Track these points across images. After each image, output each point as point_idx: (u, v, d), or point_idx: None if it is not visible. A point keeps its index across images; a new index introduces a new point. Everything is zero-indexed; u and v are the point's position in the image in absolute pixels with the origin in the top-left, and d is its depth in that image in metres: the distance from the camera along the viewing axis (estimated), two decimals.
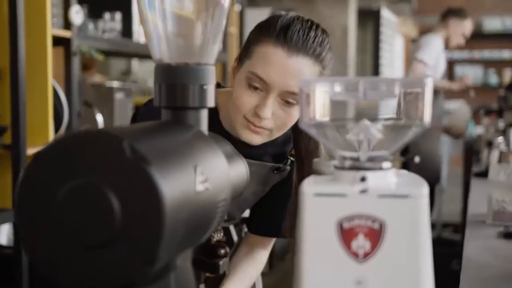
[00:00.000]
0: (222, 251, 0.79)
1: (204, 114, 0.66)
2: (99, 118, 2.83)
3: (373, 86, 0.63)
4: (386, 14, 6.33)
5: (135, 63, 4.56)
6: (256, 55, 1.16)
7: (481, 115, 4.77)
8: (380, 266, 0.60)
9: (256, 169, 1.29)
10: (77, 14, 2.59)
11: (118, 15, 3.01)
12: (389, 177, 0.62)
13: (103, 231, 0.50)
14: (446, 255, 3.63)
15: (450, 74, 6.81)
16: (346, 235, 0.60)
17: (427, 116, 0.63)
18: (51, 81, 2.39)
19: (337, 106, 0.65)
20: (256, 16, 3.62)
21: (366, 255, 0.60)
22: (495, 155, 2.46)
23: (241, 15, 4.43)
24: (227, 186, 0.64)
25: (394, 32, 6.72)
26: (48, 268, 0.52)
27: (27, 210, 0.52)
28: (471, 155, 4.21)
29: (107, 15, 2.97)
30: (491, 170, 1.86)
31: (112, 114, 2.88)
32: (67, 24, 2.59)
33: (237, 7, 4.35)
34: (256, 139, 1.19)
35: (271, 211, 1.37)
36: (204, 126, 0.66)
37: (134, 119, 1.33)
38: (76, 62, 2.63)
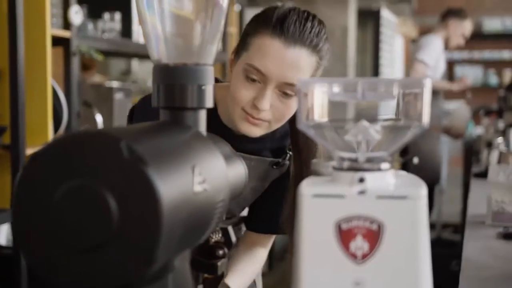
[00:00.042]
0: (221, 252, 0.78)
1: (202, 115, 0.66)
2: (99, 118, 2.83)
3: (371, 87, 0.63)
4: (386, 15, 6.33)
5: (135, 63, 4.56)
6: (253, 47, 1.16)
7: (481, 116, 4.77)
8: (379, 267, 0.60)
9: (255, 165, 1.29)
10: (76, 14, 2.58)
11: (117, 15, 3.01)
12: (387, 178, 0.62)
13: (100, 232, 0.50)
14: (446, 255, 3.63)
15: (450, 74, 6.81)
16: (345, 236, 0.60)
17: (426, 116, 0.63)
18: (50, 81, 2.39)
19: (336, 106, 0.65)
20: None
21: (365, 257, 0.60)
22: (494, 155, 2.45)
23: (241, 15, 4.43)
24: (225, 187, 0.64)
25: (394, 32, 6.72)
26: (44, 269, 0.52)
27: (24, 211, 0.52)
28: (471, 155, 4.21)
29: (106, 15, 2.97)
30: (491, 171, 1.86)
31: (112, 114, 2.88)
32: (67, 24, 2.58)
33: (237, 7, 4.35)
34: (255, 131, 1.19)
35: (270, 208, 1.37)
36: (202, 126, 0.66)
37: (131, 114, 1.33)
38: (75, 62, 2.62)
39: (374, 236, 0.59)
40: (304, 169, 1.27)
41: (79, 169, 0.51)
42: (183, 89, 0.63)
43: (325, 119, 0.64)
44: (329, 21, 4.75)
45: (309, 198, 0.60)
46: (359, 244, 0.60)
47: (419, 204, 0.60)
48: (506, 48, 7.66)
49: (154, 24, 0.63)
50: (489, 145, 3.11)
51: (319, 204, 0.60)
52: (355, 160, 0.62)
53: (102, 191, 0.50)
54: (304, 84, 0.64)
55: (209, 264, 0.78)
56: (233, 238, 0.83)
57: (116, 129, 0.54)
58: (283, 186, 1.33)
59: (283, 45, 1.13)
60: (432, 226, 4.67)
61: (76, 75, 2.64)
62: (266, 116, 1.17)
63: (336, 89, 0.63)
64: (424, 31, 5.95)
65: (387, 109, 0.67)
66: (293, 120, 1.22)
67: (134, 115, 1.31)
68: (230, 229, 0.84)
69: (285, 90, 1.15)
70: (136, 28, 3.12)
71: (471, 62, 7.81)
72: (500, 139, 2.82)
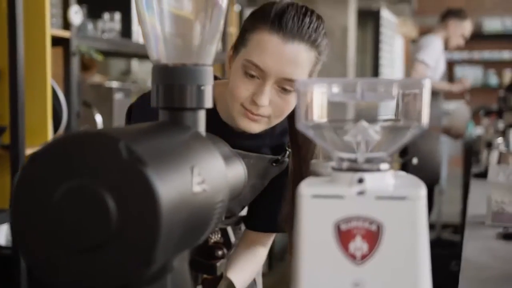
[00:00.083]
0: (220, 253, 0.78)
1: (201, 115, 0.66)
2: (98, 118, 2.82)
3: (371, 87, 0.63)
4: (386, 15, 6.33)
5: (135, 63, 4.56)
6: (251, 43, 1.16)
7: (481, 116, 4.77)
8: (378, 268, 0.59)
9: (254, 162, 1.29)
10: (76, 14, 2.58)
11: (117, 15, 3.01)
12: (386, 179, 0.62)
13: (99, 232, 0.50)
14: (446, 256, 3.64)
15: (450, 75, 6.80)
16: (344, 237, 0.60)
17: (425, 117, 0.62)
18: (50, 81, 2.38)
19: (336, 107, 0.65)
20: None
21: (364, 257, 0.60)
22: (494, 156, 2.45)
23: (241, 15, 4.43)
24: (224, 187, 0.64)
25: (394, 32, 6.72)
26: (43, 269, 0.52)
27: (23, 211, 0.52)
28: (471, 156, 4.21)
29: (106, 15, 2.96)
30: (491, 171, 1.86)
31: (111, 114, 2.88)
32: (66, 24, 2.58)
33: (236, 7, 4.35)
34: (254, 127, 1.19)
35: (269, 206, 1.37)
36: (201, 127, 0.66)
37: (130, 112, 1.33)
38: (75, 62, 2.62)
39: (373, 237, 0.59)
40: (303, 166, 1.27)
41: (78, 169, 0.51)
42: (182, 90, 0.63)
43: (324, 119, 0.64)
44: (329, 21, 4.74)
45: (308, 198, 0.60)
46: (358, 244, 0.60)
47: (419, 204, 0.59)
48: (506, 49, 7.65)
49: (153, 24, 0.63)
50: (489, 145, 3.10)
51: (318, 204, 0.60)
52: (354, 161, 0.62)
53: (101, 191, 0.50)
54: (304, 85, 0.64)
55: (208, 264, 0.77)
56: (232, 239, 0.83)
57: (115, 129, 0.54)
58: (282, 184, 1.32)
59: (281, 40, 1.13)
60: (432, 227, 4.67)
61: (76, 75, 2.64)
62: (265, 112, 1.16)
63: (335, 89, 0.63)
64: (424, 31, 5.95)
65: (387, 110, 0.67)
66: (292, 117, 1.22)
67: (133, 113, 1.31)
68: (230, 229, 0.84)
69: (284, 85, 1.15)
70: (136, 28, 3.12)
71: (471, 62, 7.81)
72: (500, 140, 2.82)
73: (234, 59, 1.20)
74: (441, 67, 4.47)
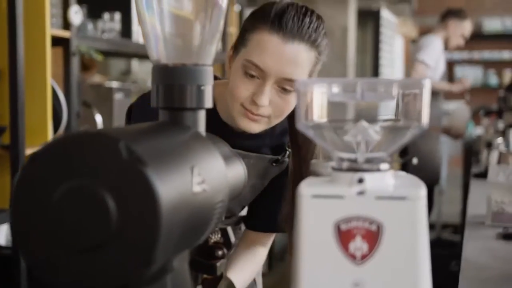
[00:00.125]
0: (220, 253, 0.78)
1: (201, 115, 0.66)
2: (98, 118, 2.82)
3: (371, 88, 0.63)
4: (386, 15, 6.33)
5: (135, 64, 4.56)
6: (251, 43, 1.15)
7: (481, 116, 4.77)
8: (378, 268, 0.59)
9: (254, 162, 1.29)
10: (76, 14, 2.58)
11: (117, 15, 3.01)
12: (386, 179, 0.62)
13: (99, 232, 0.50)
14: (446, 256, 3.64)
15: (450, 75, 6.80)
16: (344, 237, 0.60)
17: (425, 117, 0.62)
18: (50, 81, 2.38)
19: (336, 107, 0.65)
20: None
21: (364, 257, 0.60)
22: (494, 156, 2.45)
23: (241, 15, 4.43)
24: (224, 187, 0.64)
25: (394, 32, 6.72)
26: (43, 269, 0.52)
27: (23, 211, 0.52)
28: (471, 156, 4.21)
29: (106, 15, 2.96)
30: (491, 171, 1.86)
31: (111, 114, 2.88)
32: (66, 24, 2.58)
33: (237, 7, 4.35)
34: (254, 127, 1.19)
35: (269, 206, 1.36)
36: (201, 127, 0.66)
37: (130, 112, 1.33)
38: (75, 62, 2.62)
39: (373, 237, 0.59)
40: (303, 166, 1.27)
41: (78, 169, 0.51)
42: (182, 90, 0.63)
43: (324, 119, 0.64)
44: (329, 21, 4.74)
45: (308, 198, 0.60)
46: (358, 244, 0.60)
47: (419, 204, 0.59)
48: (506, 49, 7.65)
49: (153, 24, 0.63)
50: (489, 145, 3.10)
51: (318, 204, 0.60)
52: (354, 161, 0.62)
53: (101, 191, 0.50)
54: (304, 85, 0.64)
55: (208, 264, 0.77)
56: (232, 239, 0.83)
57: (115, 129, 0.54)
58: (282, 184, 1.32)
59: (281, 40, 1.13)
60: (432, 227, 4.67)
61: (76, 75, 2.64)
62: (265, 112, 1.16)
63: (335, 89, 0.63)
64: (424, 31, 5.95)
65: (387, 110, 0.67)
66: (292, 116, 1.22)
67: (132, 113, 1.31)
68: (229, 229, 0.84)
69: (284, 85, 1.15)
70: (136, 28, 3.12)
71: (471, 62, 7.81)
72: (500, 140, 2.82)
73: (234, 59, 1.20)
74: (441, 67, 4.47)
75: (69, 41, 2.58)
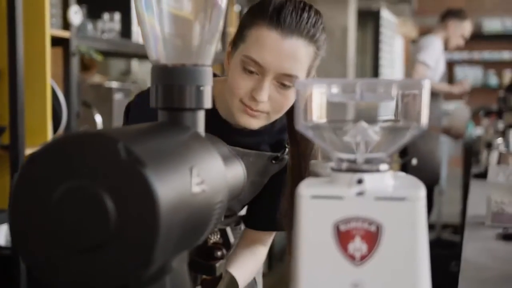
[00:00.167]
0: (219, 253, 0.78)
1: (201, 116, 0.65)
2: (98, 118, 2.82)
3: (370, 88, 0.62)
4: (386, 15, 6.33)
5: (135, 64, 4.56)
6: (250, 39, 1.15)
7: (481, 116, 4.77)
8: (377, 269, 0.59)
9: (254, 160, 1.29)
10: (76, 15, 2.58)
11: (117, 16, 3.01)
12: (386, 180, 0.62)
13: (98, 233, 0.50)
14: (445, 256, 3.64)
15: (450, 75, 6.80)
16: (343, 237, 0.60)
17: (424, 118, 0.62)
18: (49, 82, 2.38)
19: (336, 107, 0.65)
20: None
21: (363, 258, 0.59)
22: (494, 156, 2.45)
23: (240, 15, 4.43)
24: (224, 188, 0.64)
25: (394, 33, 6.72)
26: (42, 270, 0.52)
27: (22, 211, 0.52)
28: (471, 156, 4.21)
29: (106, 16, 2.96)
30: (490, 172, 1.85)
31: (111, 114, 2.88)
32: (66, 25, 2.58)
33: (236, 8, 4.35)
34: (254, 123, 1.19)
35: (268, 205, 1.36)
36: (201, 127, 0.65)
37: (128, 111, 1.33)
38: (75, 63, 2.62)
39: (372, 238, 0.59)
40: (302, 162, 1.27)
41: (77, 170, 0.51)
42: (181, 90, 0.63)
43: (323, 120, 0.64)
44: (329, 21, 4.75)
45: (307, 199, 0.60)
46: (358, 245, 0.59)
47: (418, 205, 0.59)
48: (506, 49, 7.65)
49: (152, 24, 0.63)
50: (489, 145, 3.10)
51: (318, 205, 0.60)
52: (353, 161, 0.62)
53: (99, 192, 0.50)
54: (303, 85, 0.64)
55: (207, 265, 0.77)
56: (232, 240, 0.83)
57: (114, 130, 0.54)
58: (281, 182, 1.32)
59: (280, 36, 1.13)
60: (432, 227, 4.67)
61: (76, 76, 2.64)
62: (264, 107, 1.16)
63: (334, 90, 0.63)
64: (424, 31, 5.95)
65: (386, 110, 0.66)
66: (290, 112, 1.22)
67: (130, 111, 1.31)
68: (229, 230, 0.84)
69: (283, 81, 1.15)
70: (135, 29, 3.12)
71: (471, 62, 7.81)
72: (499, 140, 2.82)
73: (232, 55, 1.20)
74: (441, 68, 4.47)
75: (68, 41, 2.58)
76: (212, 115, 1.13)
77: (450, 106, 5.31)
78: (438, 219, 4.78)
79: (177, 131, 0.62)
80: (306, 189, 0.61)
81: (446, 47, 4.51)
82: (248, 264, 1.35)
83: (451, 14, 4.50)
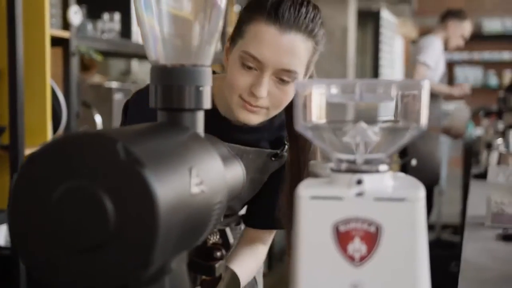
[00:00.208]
0: (218, 254, 0.78)
1: (200, 116, 0.65)
2: (98, 118, 2.82)
3: (369, 89, 0.62)
4: (386, 15, 6.33)
5: (135, 64, 4.56)
6: (248, 34, 1.15)
7: (481, 117, 4.77)
8: (377, 270, 0.59)
9: (254, 157, 1.29)
10: (75, 15, 2.58)
11: (117, 16, 3.01)
12: (385, 180, 0.61)
13: (97, 233, 0.50)
14: (445, 256, 3.64)
15: (450, 75, 6.80)
16: (342, 238, 0.59)
17: (424, 118, 0.62)
18: (49, 82, 2.38)
19: (335, 108, 0.65)
20: None
21: (362, 259, 0.59)
22: (494, 156, 2.45)
23: None
24: (223, 188, 0.64)
25: (394, 33, 6.72)
26: (41, 270, 0.52)
27: (21, 211, 0.52)
28: (471, 156, 4.21)
29: (106, 16, 2.96)
30: (490, 172, 1.85)
31: (111, 114, 2.87)
32: (66, 25, 2.58)
33: (236, 8, 4.35)
34: (253, 119, 1.19)
35: (268, 203, 1.35)
36: (200, 128, 0.65)
37: (126, 109, 1.33)
38: (74, 63, 2.62)
39: (372, 239, 0.59)
40: (300, 156, 1.26)
41: (76, 170, 0.51)
42: (180, 90, 0.63)
43: (323, 120, 0.64)
44: (329, 21, 4.75)
45: (306, 200, 0.60)
46: (357, 246, 0.59)
47: (417, 206, 0.59)
48: (506, 49, 7.65)
49: (151, 24, 0.63)
50: (489, 146, 3.10)
51: (317, 206, 0.60)
52: (353, 162, 0.62)
53: (98, 192, 0.50)
54: (302, 86, 0.64)
55: (206, 266, 0.77)
56: (231, 240, 0.83)
57: (113, 130, 0.54)
58: (280, 180, 1.32)
59: (278, 31, 1.13)
60: (432, 227, 4.67)
61: (75, 76, 2.64)
62: (263, 103, 1.17)
63: (334, 90, 0.63)
64: (424, 32, 5.94)
65: (386, 111, 0.66)
66: (289, 108, 1.22)
67: (129, 109, 1.31)
68: (228, 230, 0.84)
69: (282, 76, 1.15)
70: (135, 29, 3.12)
71: (471, 63, 7.81)
72: (499, 140, 2.82)
73: (231, 51, 1.20)
74: (441, 68, 4.47)
75: (68, 41, 2.58)
76: (211, 112, 1.13)
77: (450, 106, 5.31)
78: (438, 219, 4.78)
79: (176, 131, 0.62)
80: (306, 190, 0.61)
81: (446, 48, 4.51)
82: (248, 263, 1.35)
83: (451, 15, 4.50)
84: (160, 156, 0.53)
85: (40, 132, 2.35)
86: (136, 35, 3.12)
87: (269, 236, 1.42)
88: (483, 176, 2.57)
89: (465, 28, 4.52)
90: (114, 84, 3.11)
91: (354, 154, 0.62)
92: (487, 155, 2.93)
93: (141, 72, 4.57)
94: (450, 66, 7.20)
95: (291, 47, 1.14)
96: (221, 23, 0.66)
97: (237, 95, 1.16)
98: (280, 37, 1.13)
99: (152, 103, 0.64)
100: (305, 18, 1.14)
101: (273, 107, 1.18)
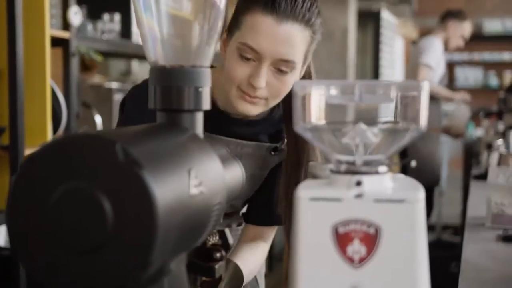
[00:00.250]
0: (218, 255, 0.78)
1: (199, 117, 0.65)
2: (98, 119, 2.82)
3: (369, 90, 0.62)
4: (386, 16, 6.33)
5: (135, 64, 4.56)
6: (245, 25, 1.15)
7: (481, 117, 4.77)
8: (376, 271, 0.59)
9: (253, 152, 1.29)
10: (76, 15, 2.58)
11: (117, 16, 3.01)
12: (385, 182, 0.61)
13: (95, 234, 0.50)
14: (445, 257, 3.64)
15: (450, 76, 6.80)
16: (342, 240, 0.59)
17: (423, 119, 0.62)
18: (49, 82, 2.38)
19: (334, 109, 0.64)
20: None
21: (362, 260, 0.59)
22: (494, 157, 2.45)
23: None
24: (222, 190, 0.64)
25: (394, 33, 6.72)
26: (39, 271, 0.52)
27: (20, 212, 0.52)
28: (471, 157, 4.21)
29: (106, 16, 2.96)
30: (491, 173, 1.85)
31: (111, 115, 2.88)
32: (66, 25, 2.58)
33: None
34: (252, 110, 1.19)
35: (268, 199, 1.35)
36: (199, 129, 0.65)
37: (123, 105, 1.33)
38: (74, 63, 2.62)
39: (371, 240, 0.59)
40: (299, 149, 1.26)
41: (75, 171, 0.51)
42: (179, 91, 0.63)
43: (322, 121, 0.64)
44: (329, 22, 4.75)
45: (306, 201, 0.60)
46: (356, 248, 0.59)
47: (417, 207, 0.59)
48: (506, 50, 7.65)
49: (151, 25, 0.63)
50: (489, 147, 3.10)
51: (316, 207, 0.60)
52: (352, 163, 0.62)
53: (97, 193, 0.50)
54: (302, 87, 0.64)
55: (206, 267, 0.77)
56: (231, 241, 0.83)
57: (112, 131, 0.54)
58: (280, 176, 1.31)
59: (275, 21, 1.13)
60: (432, 228, 4.67)
61: (75, 76, 2.64)
62: (262, 93, 1.17)
63: (333, 91, 0.63)
64: (425, 32, 5.94)
65: (385, 112, 0.66)
66: (287, 99, 1.22)
67: (126, 104, 1.31)
68: (228, 231, 0.84)
69: (280, 66, 1.15)
70: (135, 29, 3.12)
71: (471, 63, 7.80)
72: (500, 141, 2.82)
73: (228, 43, 1.20)
74: (441, 68, 4.48)
75: (68, 41, 2.58)
76: (210, 106, 1.12)
77: (450, 106, 5.31)
78: (438, 220, 4.78)
79: (175, 132, 0.62)
80: (305, 191, 0.61)
81: (446, 48, 4.51)
82: (249, 260, 1.33)
83: (451, 15, 4.50)
84: (159, 158, 0.53)
85: (40, 133, 2.35)
86: (136, 35, 3.13)
87: (271, 233, 1.41)
88: (483, 177, 2.57)
89: (465, 28, 4.52)
90: (114, 85, 3.12)
91: (353, 155, 0.62)
92: (488, 156, 2.93)
93: (141, 73, 4.57)
94: (451, 66, 7.19)
95: (288, 37, 1.14)
96: (220, 24, 0.66)
97: (236, 87, 1.16)
98: (277, 27, 1.13)
99: (151, 103, 0.64)
100: (301, 7, 1.14)
101: (272, 98, 1.18)
